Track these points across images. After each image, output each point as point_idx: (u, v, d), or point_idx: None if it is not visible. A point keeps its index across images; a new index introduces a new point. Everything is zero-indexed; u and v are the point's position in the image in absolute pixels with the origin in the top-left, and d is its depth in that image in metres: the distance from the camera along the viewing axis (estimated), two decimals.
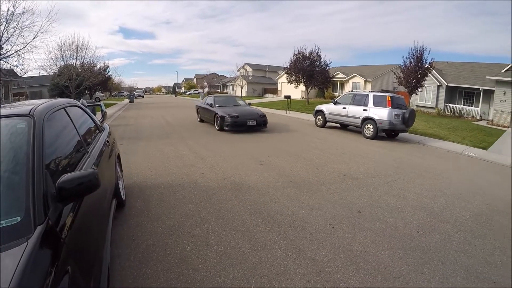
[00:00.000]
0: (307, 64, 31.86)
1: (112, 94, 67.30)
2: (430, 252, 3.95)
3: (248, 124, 13.36)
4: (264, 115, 14.11)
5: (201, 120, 16.81)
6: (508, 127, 21.56)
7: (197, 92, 76.49)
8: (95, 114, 6.10)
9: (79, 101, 4.61)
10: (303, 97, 38.94)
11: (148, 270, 3.25)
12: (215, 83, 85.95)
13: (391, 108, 12.53)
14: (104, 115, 6.52)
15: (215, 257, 3.52)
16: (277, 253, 3.65)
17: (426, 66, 23.53)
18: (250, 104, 16.75)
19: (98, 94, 43.37)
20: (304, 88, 34.37)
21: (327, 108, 15.72)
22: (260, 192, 5.74)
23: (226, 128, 13.16)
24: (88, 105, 5.41)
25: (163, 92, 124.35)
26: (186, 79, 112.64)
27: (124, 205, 4.85)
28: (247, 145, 10.29)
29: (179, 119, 18.35)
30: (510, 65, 23.83)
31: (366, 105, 13.32)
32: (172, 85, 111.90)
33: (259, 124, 13.75)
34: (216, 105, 14.70)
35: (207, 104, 15.65)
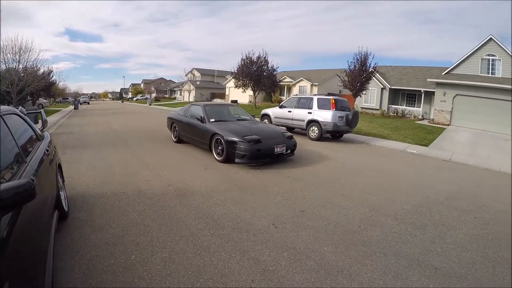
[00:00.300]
0: (255, 68, 32.56)
1: (56, 100, 63.80)
2: (372, 245, 4.10)
3: (276, 153, 8.46)
4: (292, 136, 9.31)
5: (180, 141, 11.39)
6: (448, 124, 23.39)
7: (144, 97, 74.78)
8: (37, 122, 5.81)
9: (18, 108, 4.34)
10: (250, 102, 39.41)
11: (93, 282, 3.13)
12: (162, 88, 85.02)
13: (335, 110, 13.04)
14: (44, 123, 6.18)
15: (159, 263, 3.45)
16: (221, 255, 3.64)
17: (370, 70, 25.11)
18: (255, 116, 12.07)
19: (41, 100, 40.86)
20: (251, 93, 34.86)
21: (273, 112, 16.02)
22: (204, 197, 5.68)
23: (240, 161, 8.15)
24: (27, 113, 5.09)
25: (109, 98, 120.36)
26: (133, 84, 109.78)
27: (67, 216, 4.62)
28: (189, 149, 10.14)
29: (125, 126, 17.61)
30: (449, 68, 26.12)
31: (310, 108, 13.75)
32: (119, 91, 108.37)
33: (289, 151, 8.94)
34: (211, 120, 9.63)
35: (194, 117, 10.35)
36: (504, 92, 22.18)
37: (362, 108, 31.56)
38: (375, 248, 4.01)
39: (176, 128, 11.45)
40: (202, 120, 9.72)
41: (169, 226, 4.44)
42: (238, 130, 8.77)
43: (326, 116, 13.01)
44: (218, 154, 8.76)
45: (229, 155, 8.33)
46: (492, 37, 23.92)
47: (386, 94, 31.28)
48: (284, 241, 4.07)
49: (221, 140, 8.54)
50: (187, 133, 10.70)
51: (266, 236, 4.20)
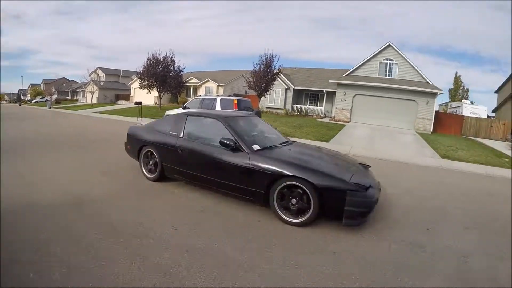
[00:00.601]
0: (161, 69, 32.03)
1: None
2: (271, 238, 4.25)
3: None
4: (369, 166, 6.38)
5: (163, 178, 6.63)
6: (348, 121, 25.42)
7: (44, 99, 68.52)
8: None
9: None
10: (156, 103, 38.55)
11: None
12: (64, 89, 79.03)
13: (238, 110, 13.40)
14: None
15: (58, 279, 3.20)
16: (121, 263, 3.50)
17: (275, 71, 26.25)
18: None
19: None
20: (157, 94, 34.12)
21: (177, 113, 15.60)
22: (103, 204, 5.35)
23: (352, 222, 4.57)
24: None
25: (6, 101, 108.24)
26: (32, 85, 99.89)
27: None
28: (86, 155, 9.46)
29: (22, 132, 15.74)
30: (350, 70, 28.75)
31: (214, 109, 13.87)
32: (17, 92, 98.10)
33: None
34: (254, 146, 5.50)
35: (205, 141, 6.03)
36: (399, 92, 25.55)
37: (267, 108, 32.96)
38: (274, 240, 4.16)
39: (157, 157, 6.60)
40: (235, 146, 5.36)
41: (66, 238, 4.11)
42: (322, 166, 5.25)
43: None
44: (285, 210, 4.83)
45: (327, 213, 4.78)
46: (391, 44, 27.30)
47: (290, 94, 33.06)
48: (184, 242, 4.03)
49: (304, 189, 4.66)
50: (191, 168, 6.02)
51: (166, 239, 4.11)
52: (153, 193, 6.10)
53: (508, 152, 17.30)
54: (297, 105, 33.09)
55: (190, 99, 37.48)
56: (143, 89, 34.02)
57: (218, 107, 13.78)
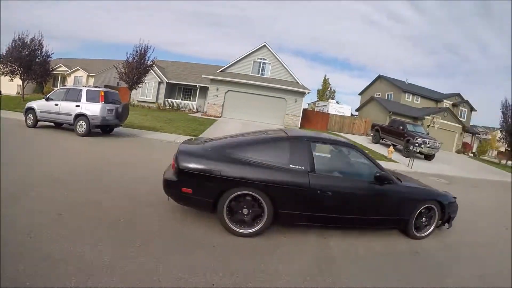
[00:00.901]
0: (27, 53, 26.99)
1: None
2: (134, 234, 4.33)
3: None
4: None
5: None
6: (220, 116, 26.34)
7: None
8: None
9: None
10: (19, 93, 33.81)
11: None
12: None
13: (104, 103, 12.80)
14: None
15: None
16: None
17: (148, 63, 25.59)
18: None
19: None
20: (20, 82, 29.21)
21: (39, 105, 13.91)
22: None
23: (451, 224, 6.12)
24: None
25: None
26: None
27: None
28: None
29: None
30: (224, 67, 29.89)
31: (79, 100, 12.91)
32: None
33: None
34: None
35: None
36: (270, 90, 27.72)
37: (138, 101, 32.15)
38: (135, 237, 4.23)
39: (266, 203, 4.60)
40: (391, 180, 5.25)
41: None
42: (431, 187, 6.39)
43: (94, 109, 12.58)
44: (415, 228, 5.57)
45: (442, 222, 5.88)
46: (266, 44, 29.21)
47: (163, 88, 32.77)
48: (41, 251, 3.74)
49: (434, 208, 5.63)
50: (329, 211, 4.94)
51: (21, 249, 3.74)
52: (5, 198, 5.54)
53: (368, 145, 20.11)
54: (169, 99, 32.88)
55: (56, 89, 34.37)
56: (4, 76, 28.20)
57: (83, 99, 12.82)
